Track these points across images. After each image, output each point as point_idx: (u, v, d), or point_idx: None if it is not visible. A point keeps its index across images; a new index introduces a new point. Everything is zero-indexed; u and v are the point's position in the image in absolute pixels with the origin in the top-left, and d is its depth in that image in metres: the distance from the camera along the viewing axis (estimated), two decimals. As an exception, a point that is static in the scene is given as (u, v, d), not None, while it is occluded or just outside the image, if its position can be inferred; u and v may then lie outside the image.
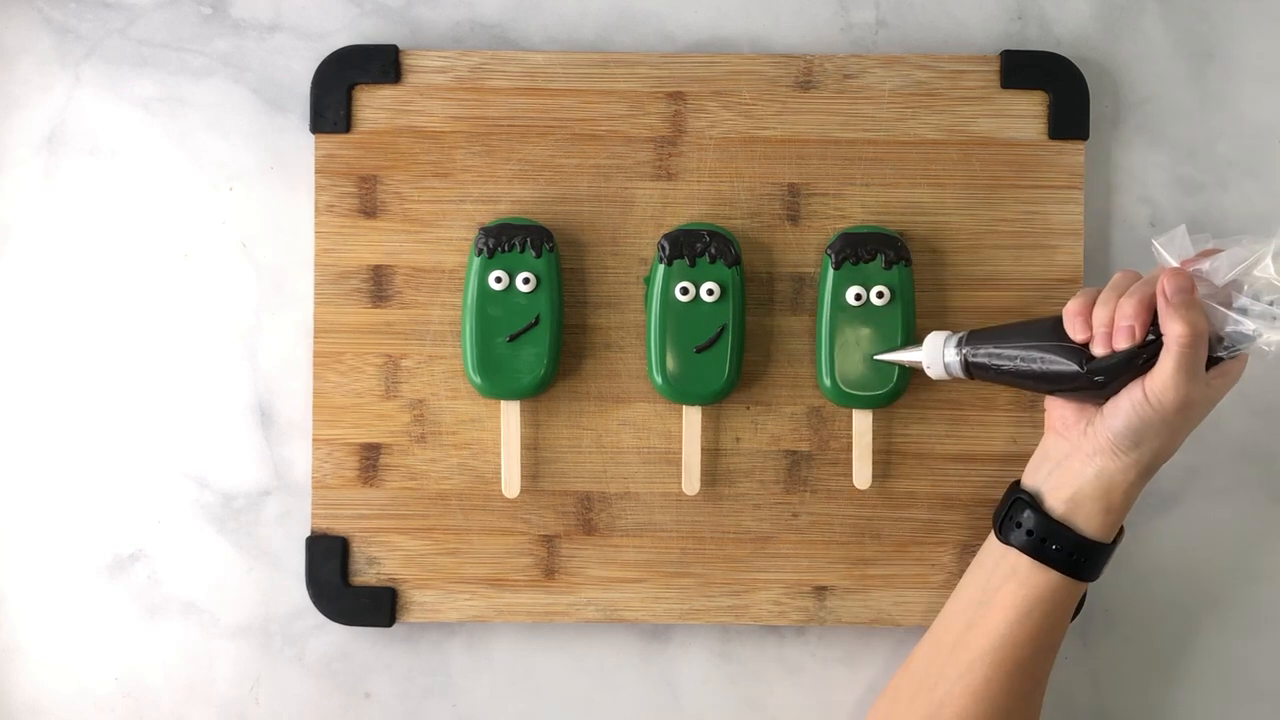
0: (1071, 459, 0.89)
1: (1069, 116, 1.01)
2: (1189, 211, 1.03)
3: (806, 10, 1.04)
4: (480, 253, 0.98)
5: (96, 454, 1.03)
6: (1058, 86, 1.00)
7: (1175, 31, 1.04)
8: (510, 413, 0.99)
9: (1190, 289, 0.83)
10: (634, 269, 1.01)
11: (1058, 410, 0.90)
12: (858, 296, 0.98)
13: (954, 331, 0.94)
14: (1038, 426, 0.98)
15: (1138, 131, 1.03)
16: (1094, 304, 0.87)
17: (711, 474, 1.01)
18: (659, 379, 0.98)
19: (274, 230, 1.03)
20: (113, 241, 1.03)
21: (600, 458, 1.01)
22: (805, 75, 1.01)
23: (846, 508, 1.01)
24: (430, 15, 1.03)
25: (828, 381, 0.98)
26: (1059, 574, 0.89)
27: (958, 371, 0.93)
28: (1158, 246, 0.86)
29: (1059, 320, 0.88)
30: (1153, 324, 0.85)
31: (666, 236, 0.98)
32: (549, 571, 1.01)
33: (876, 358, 0.97)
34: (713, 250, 0.98)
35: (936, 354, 0.93)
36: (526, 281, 0.97)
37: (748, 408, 1.01)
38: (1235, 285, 0.84)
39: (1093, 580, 0.90)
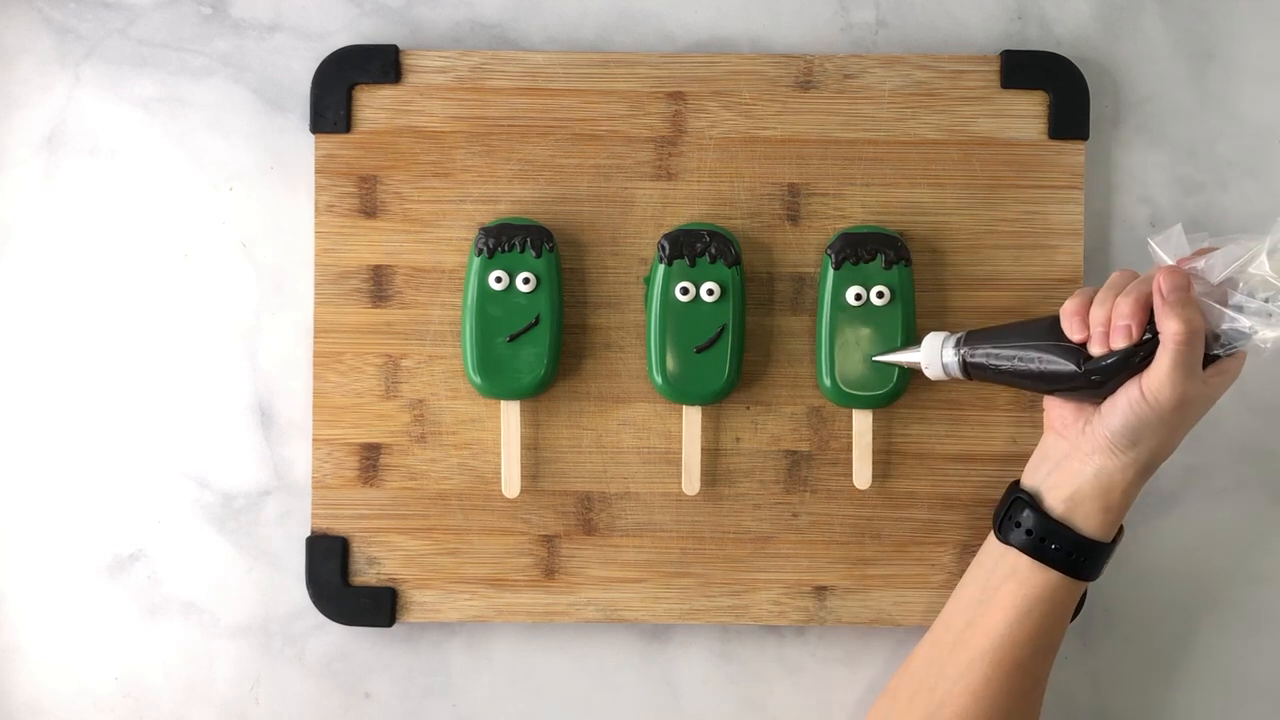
0: (1070, 458, 0.89)
1: (1069, 116, 1.01)
2: (1189, 211, 1.03)
3: (806, 10, 1.04)
4: (480, 253, 0.98)
5: (96, 454, 1.03)
6: (1058, 86, 1.00)
7: (1175, 31, 1.04)
8: (510, 413, 0.99)
9: (1186, 286, 0.83)
10: (634, 269, 1.01)
11: (1056, 410, 0.90)
12: (858, 296, 0.98)
13: (952, 332, 0.94)
14: (1037, 426, 0.98)
15: (1138, 131, 1.03)
16: (1091, 303, 0.87)
17: (711, 474, 1.01)
18: (659, 379, 0.98)
19: (274, 230, 1.03)
20: (113, 241, 1.03)
21: (600, 458, 1.01)
22: (805, 75, 1.01)
23: (846, 508, 1.01)
24: (430, 15, 1.03)
25: (828, 381, 0.98)
26: (1058, 573, 0.89)
27: (956, 372, 0.93)
28: (1154, 245, 0.86)
29: (1056, 320, 0.88)
30: (1149, 322, 0.85)
31: (666, 236, 0.98)
32: (549, 571, 1.01)
33: (875, 359, 0.97)
34: (713, 250, 0.98)
35: (934, 354, 0.93)
36: (526, 281, 0.97)
37: (748, 408, 1.01)
38: (1231, 283, 0.84)
39: (1092, 579, 0.90)
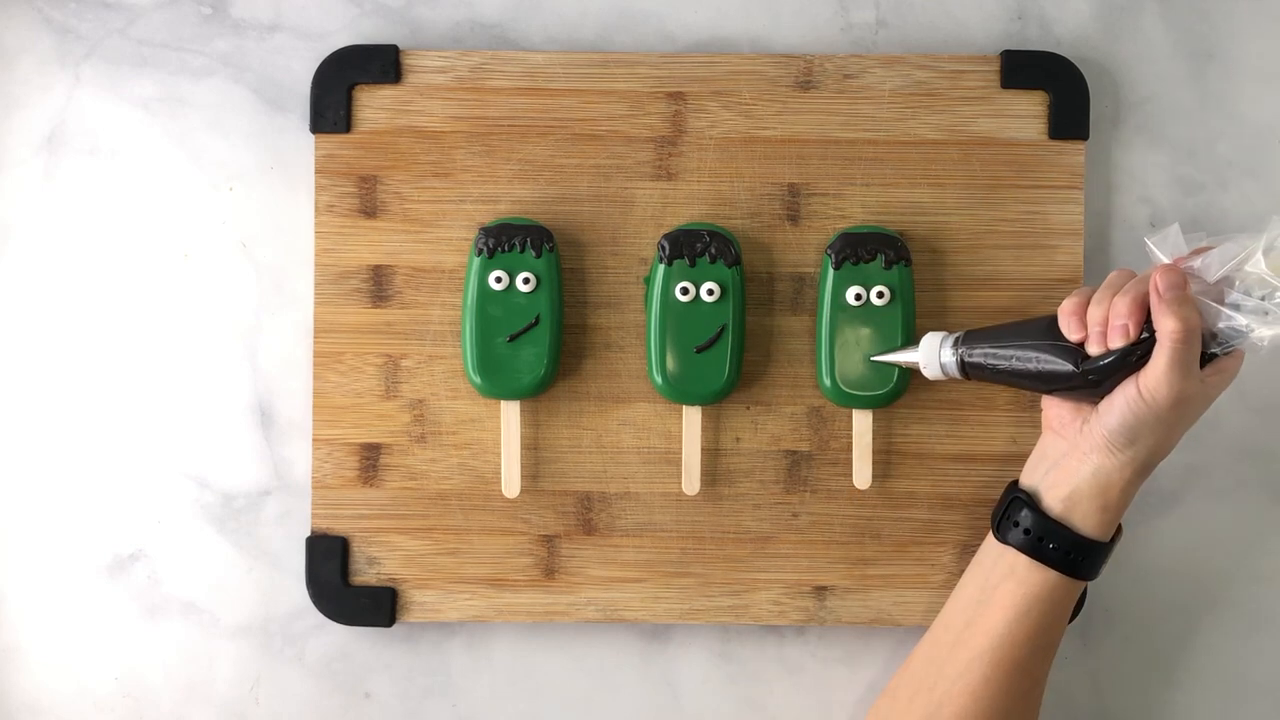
0: (1068, 457, 0.89)
1: (1069, 116, 1.01)
2: (1189, 211, 1.03)
3: (806, 10, 1.04)
4: (480, 253, 0.98)
5: (96, 454, 1.03)
6: (1058, 86, 1.00)
7: (1175, 31, 1.04)
8: (510, 413, 0.99)
9: (1182, 285, 0.83)
10: (634, 269, 1.01)
11: (1054, 409, 0.90)
12: (858, 296, 0.98)
13: (950, 331, 0.94)
14: (1037, 426, 0.98)
15: (1138, 131, 1.03)
16: (1089, 303, 0.87)
17: (711, 474, 1.01)
18: (659, 379, 0.98)
19: (274, 230, 1.03)
20: (113, 241, 1.03)
21: (600, 458, 1.01)
22: (805, 75, 1.01)
23: (846, 508, 1.01)
24: (430, 15, 1.03)
25: (828, 381, 0.98)
26: (1057, 573, 0.89)
27: (954, 372, 0.93)
28: (1151, 245, 0.86)
29: (1054, 320, 0.88)
30: (1147, 321, 0.85)
31: (666, 236, 0.98)
32: (549, 571, 1.01)
33: (873, 359, 0.97)
34: (713, 250, 0.98)
35: (933, 354, 0.93)
36: (526, 281, 0.97)
37: (748, 408, 1.01)
38: (1227, 281, 0.83)
39: (1091, 579, 0.90)
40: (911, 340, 0.97)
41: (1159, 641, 1.03)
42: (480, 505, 1.01)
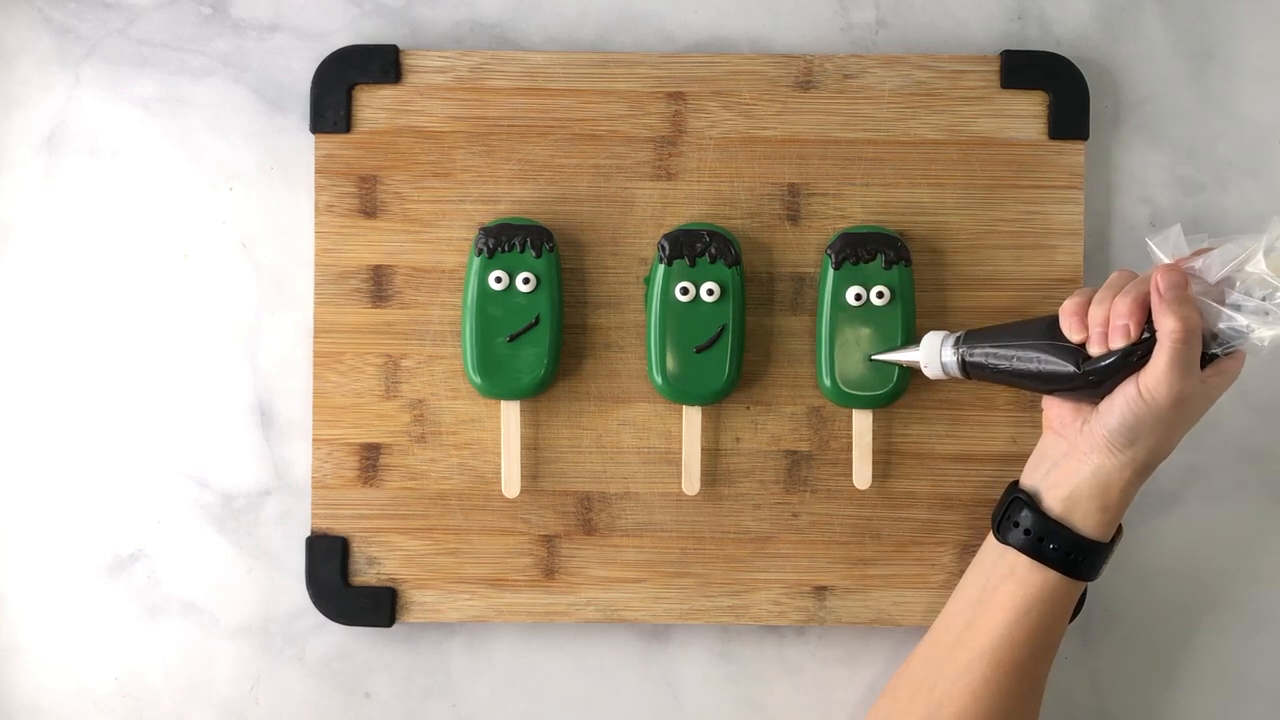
0: (1069, 458, 0.89)
1: (1069, 116, 1.00)
2: (1189, 211, 1.03)
3: (806, 10, 1.04)
4: (480, 253, 0.98)
5: (96, 454, 1.03)
6: (1058, 86, 1.00)
7: (1175, 31, 1.04)
8: (510, 413, 0.99)
9: (1183, 284, 0.83)
10: (634, 269, 1.01)
11: (1055, 409, 0.90)
12: (858, 296, 0.98)
13: (951, 331, 0.94)
14: (1037, 426, 0.98)
15: (1138, 131, 1.03)
16: (1090, 304, 0.87)
17: (711, 474, 1.01)
18: (659, 379, 0.98)
19: (274, 230, 1.03)
20: (113, 241, 1.03)
21: (600, 458, 1.01)
22: (805, 75, 1.01)
23: (846, 508, 1.01)
24: (430, 15, 1.03)
25: (828, 381, 0.98)
26: (1057, 573, 0.89)
27: (955, 371, 0.93)
28: (1152, 245, 0.86)
29: (1055, 320, 0.88)
30: (1148, 321, 0.85)
31: (666, 236, 0.98)
32: (549, 571, 1.01)
33: (874, 358, 0.97)
34: (713, 250, 0.98)
35: (934, 353, 0.93)
36: (526, 281, 0.97)
37: (748, 408, 1.01)
38: (1228, 281, 0.83)
39: (1091, 579, 0.90)
40: (912, 340, 0.97)
41: (1159, 641, 1.03)
42: (480, 505, 1.01)
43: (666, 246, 0.98)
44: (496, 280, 0.97)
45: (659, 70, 1.01)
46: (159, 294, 1.03)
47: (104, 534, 1.03)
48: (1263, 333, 0.82)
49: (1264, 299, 0.82)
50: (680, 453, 0.99)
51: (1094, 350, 0.86)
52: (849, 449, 1.00)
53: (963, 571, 0.95)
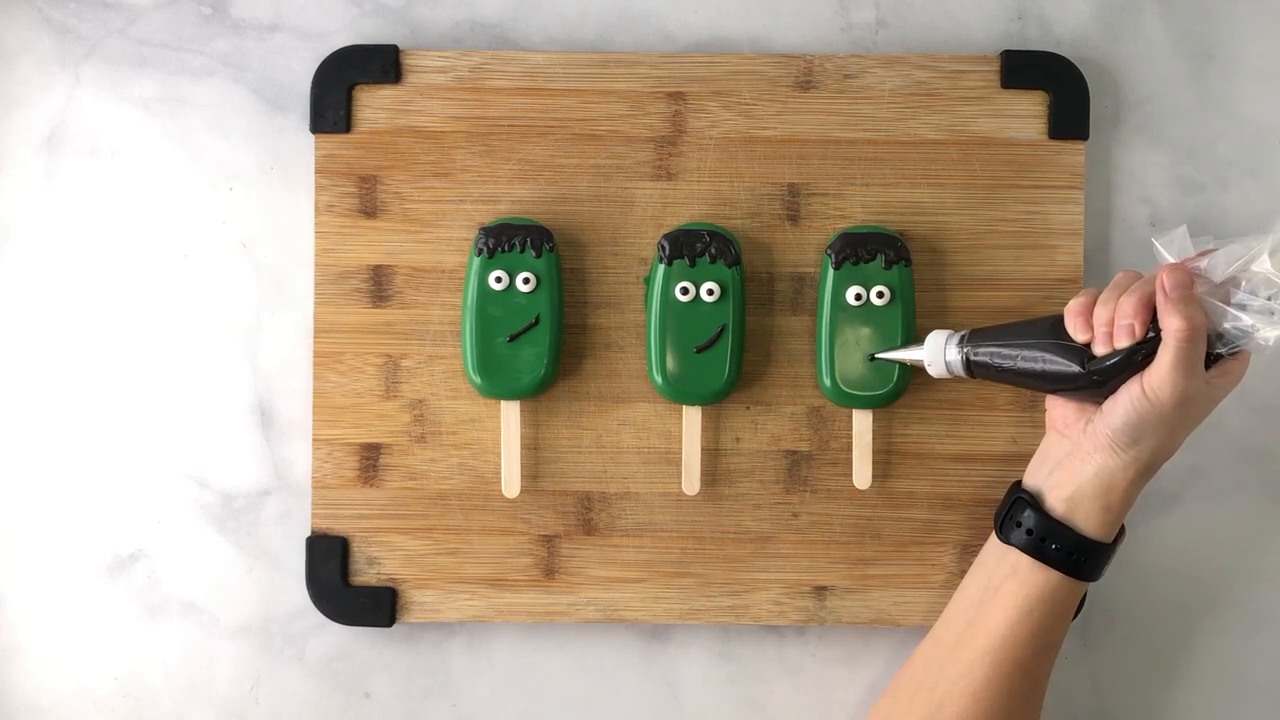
0: (1072, 458, 0.89)
1: (1069, 116, 1.01)
2: (1189, 211, 1.03)
3: (806, 10, 1.04)
4: (480, 253, 0.98)
5: (96, 454, 1.03)
6: (1058, 86, 1.00)
7: (1175, 31, 1.04)
8: (510, 413, 0.99)
9: (1188, 284, 0.83)
10: (634, 269, 1.01)
11: (1058, 409, 0.90)
12: (858, 296, 0.98)
13: (955, 330, 0.94)
14: (1038, 426, 0.98)
15: (1138, 131, 1.03)
16: (1095, 304, 0.87)
17: (711, 474, 1.01)
18: (659, 379, 0.98)
19: (274, 230, 1.03)
20: (113, 241, 1.03)
21: (600, 458, 1.01)
22: (805, 75, 1.01)
23: (846, 508, 1.01)
24: (430, 15, 1.03)
25: (828, 381, 0.98)
26: (1059, 574, 0.89)
27: (959, 370, 0.93)
28: (1158, 245, 0.86)
29: (1060, 319, 0.88)
30: (1152, 321, 0.85)
31: (666, 236, 0.98)
32: (549, 571, 1.01)
33: (878, 356, 0.97)
34: (713, 250, 0.98)
35: (938, 352, 0.93)
36: (526, 281, 0.97)
37: (748, 408, 1.01)
38: (1233, 281, 0.84)
39: (1093, 580, 0.90)
40: (913, 340, 0.97)
41: (1159, 641, 1.03)
42: (480, 505, 1.01)
43: (666, 246, 0.98)
44: (496, 280, 0.97)
45: (659, 70, 1.01)
46: (159, 294, 1.03)
47: (104, 534, 1.03)
48: (1268, 333, 0.82)
49: (1269, 299, 0.82)
50: (680, 453, 0.99)
51: (1099, 350, 0.86)
52: (849, 449, 1.00)
53: (963, 572, 0.95)
